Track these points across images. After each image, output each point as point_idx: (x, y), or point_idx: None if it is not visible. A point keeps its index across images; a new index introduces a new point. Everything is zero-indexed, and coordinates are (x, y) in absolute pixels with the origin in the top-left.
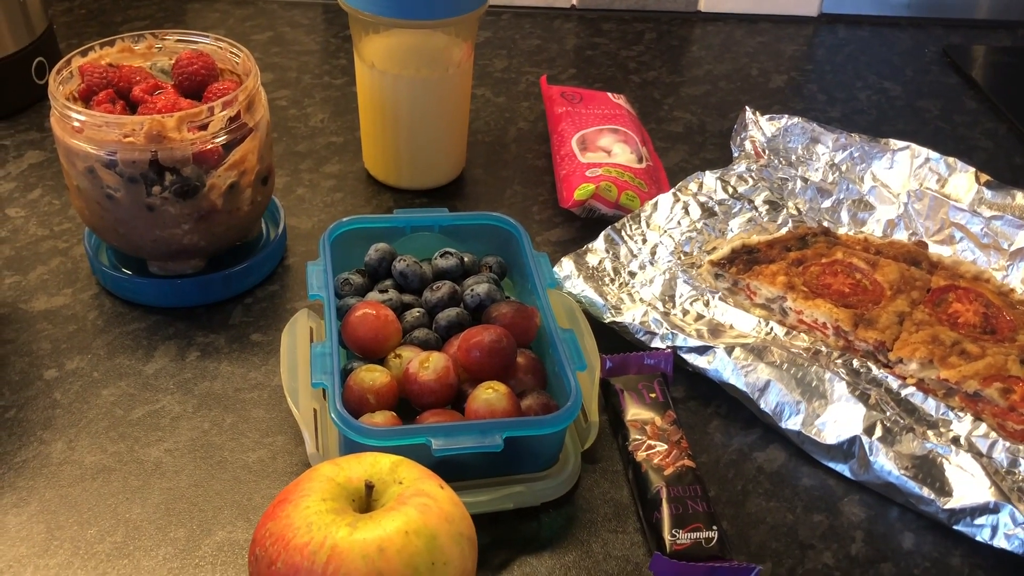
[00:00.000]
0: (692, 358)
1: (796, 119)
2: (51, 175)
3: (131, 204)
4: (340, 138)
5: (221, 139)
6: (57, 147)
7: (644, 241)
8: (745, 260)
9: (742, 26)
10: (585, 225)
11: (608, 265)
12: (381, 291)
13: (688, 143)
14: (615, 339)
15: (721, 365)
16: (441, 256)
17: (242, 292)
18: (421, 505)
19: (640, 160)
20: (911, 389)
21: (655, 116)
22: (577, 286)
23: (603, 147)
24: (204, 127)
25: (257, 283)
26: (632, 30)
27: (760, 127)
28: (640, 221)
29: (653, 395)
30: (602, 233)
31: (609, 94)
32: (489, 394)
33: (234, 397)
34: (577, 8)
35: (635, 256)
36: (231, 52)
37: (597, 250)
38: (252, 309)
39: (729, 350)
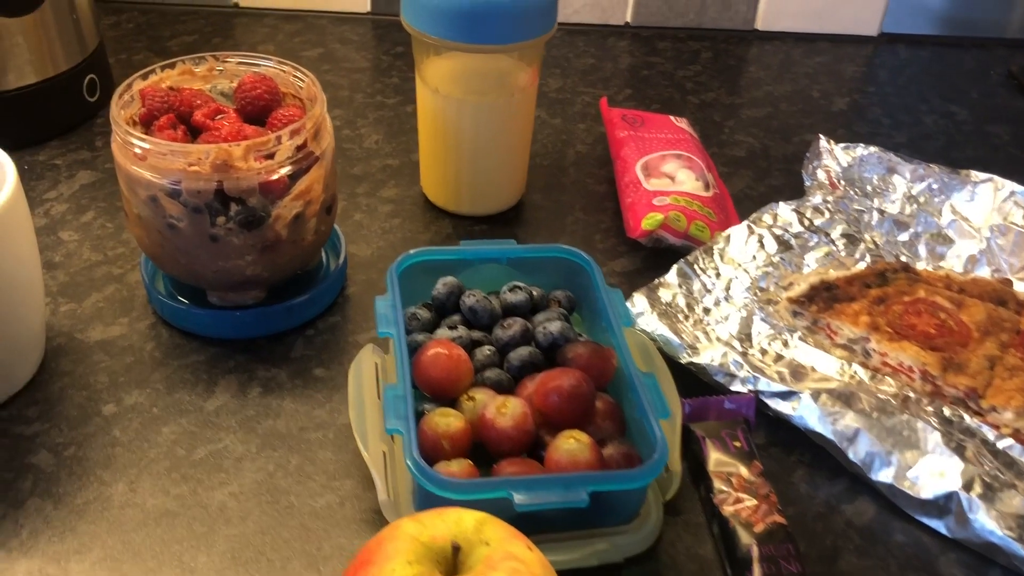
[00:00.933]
0: (775, 403)
1: (872, 149)
2: (103, 196)
3: (194, 234)
4: (396, 160)
5: (287, 168)
6: (117, 173)
7: (718, 275)
8: (825, 298)
9: (800, 45)
10: (651, 255)
11: (681, 301)
12: (450, 327)
13: (752, 168)
14: (690, 380)
15: (807, 412)
16: (510, 290)
17: (303, 323)
18: (512, 571)
19: (707, 187)
20: (1008, 441)
21: (716, 140)
22: (651, 323)
23: (667, 173)
24: (271, 156)
25: (318, 314)
26: (688, 49)
27: (835, 156)
28: (713, 254)
29: (737, 443)
30: (674, 267)
31: (672, 117)
32: (571, 444)
33: (299, 437)
34: (631, 25)
35: (709, 291)
36: (294, 76)
37: (670, 284)
38: (314, 341)
39: (815, 396)
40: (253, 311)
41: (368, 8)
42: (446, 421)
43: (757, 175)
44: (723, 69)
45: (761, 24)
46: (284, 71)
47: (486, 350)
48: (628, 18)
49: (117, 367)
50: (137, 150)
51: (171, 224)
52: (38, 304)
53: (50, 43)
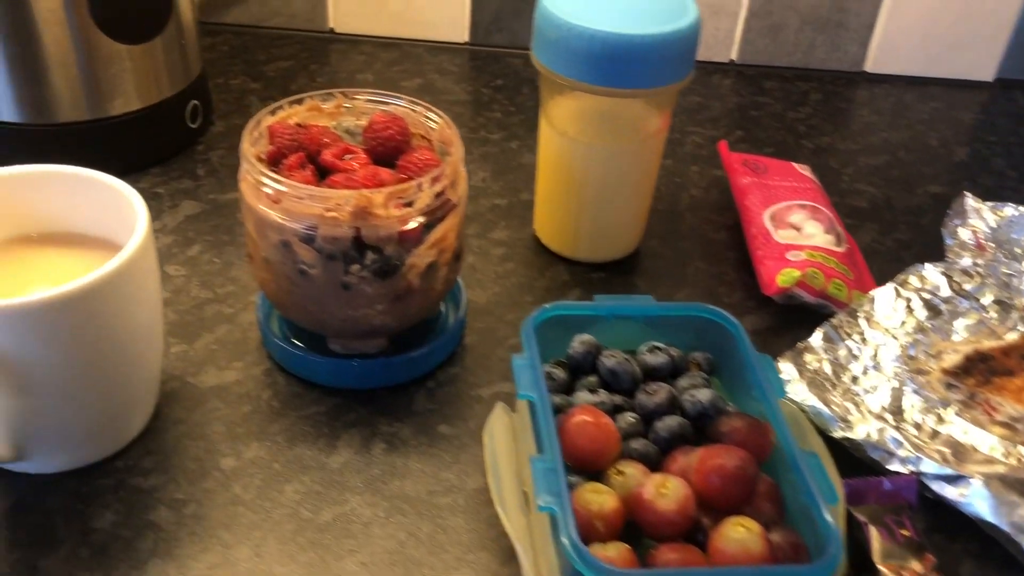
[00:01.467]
0: (940, 487)
1: (1023, 209)
2: (208, 229)
3: (326, 282)
4: (504, 200)
5: (423, 217)
6: (244, 213)
7: (864, 341)
8: (981, 370)
9: (912, 89)
10: (781, 312)
11: (827, 368)
12: (590, 390)
13: (876, 221)
14: (838, 455)
15: (978, 500)
16: (649, 351)
17: (423, 374)
18: None
19: (838, 242)
20: None
21: (836, 188)
22: (799, 392)
23: (793, 224)
24: (409, 203)
25: (438, 364)
26: (796, 89)
27: (982, 216)
28: (858, 318)
29: (905, 532)
30: (819, 330)
31: (795, 164)
32: (741, 533)
33: (428, 501)
34: (736, 63)
35: (856, 358)
36: (426, 116)
37: (814, 350)
38: (435, 395)
39: (987, 482)
40: (375, 361)
41: (467, 38)
42: (599, 499)
43: (883, 228)
44: (834, 112)
45: (871, 66)
46: (415, 111)
47: (629, 417)
48: (733, 55)
49: (234, 416)
50: (269, 190)
51: (302, 270)
52: (159, 347)
53: (157, 69)
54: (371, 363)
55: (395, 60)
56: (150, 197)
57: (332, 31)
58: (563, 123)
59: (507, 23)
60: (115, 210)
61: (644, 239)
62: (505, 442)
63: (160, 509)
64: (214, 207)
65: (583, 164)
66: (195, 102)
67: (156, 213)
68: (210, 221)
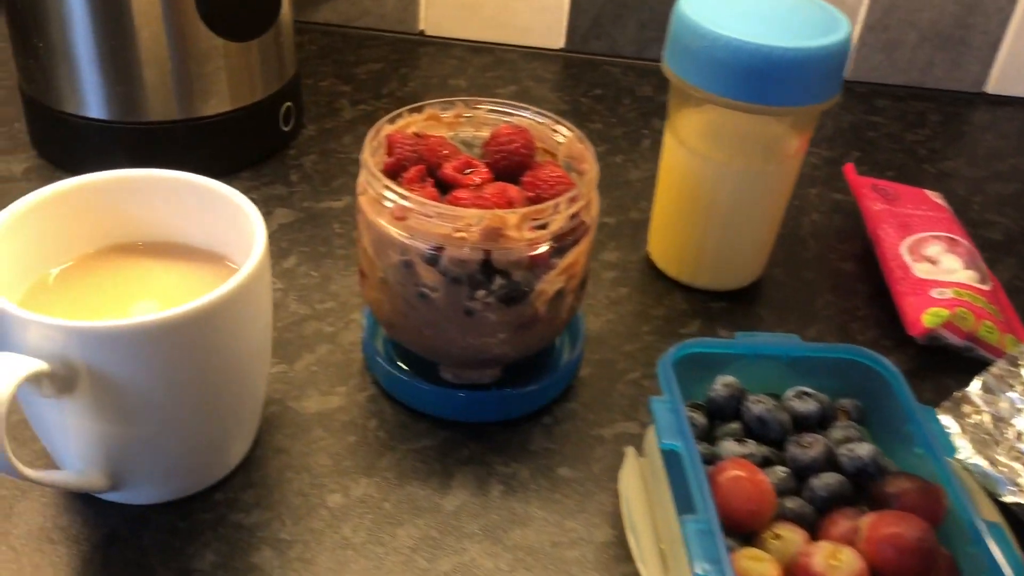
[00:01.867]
0: None
1: None
2: (304, 240)
3: (448, 307)
4: (612, 219)
5: (556, 242)
6: (360, 229)
7: None
8: None
9: None
10: (921, 354)
11: (987, 421)
12: (736, 439)
13: (1014, 255)
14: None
15: None
16: (797, 397)
17: (537, 409)
18: None
19: (983, 279)
20: None
21: (966, 218)
22: (963, 450)
23: (929, 257)
24: (543, 226)
25: (554, 399)
26: (912, 110)
27: None
28: (1020, 367)
29: None
30: (977, 379)
31: (927, 191)
32: None
33: (553, 554)
34: (847, 80)
35: (1020, 411)
36: (553, 129)
37: (973, 400)
38: (553, 432)
39: None
40: (489, 393)
41: (562, 44)
42: (760, 568)
43: (1021, 264)
44: (956, 136)
45: (992, 87)
46: (541, 123)
47: (779, 471)
48: (845, 72)
49: (339, 447)
50: (391, 205)
51: (423, 293)
52: (266, 371)
53: (252, 68)
54: (485, 395)
55: (488, 65)
56: None
57: (423, 33)
58: (693, 139)
59: (606, 29)
60: (226, 221)
61: (767, 268)
62: (638, 492)
63: (263, 550)
64: (309, 216)
65: (713, 185)
66: (289, 104)
67: None
68: (305, 231)
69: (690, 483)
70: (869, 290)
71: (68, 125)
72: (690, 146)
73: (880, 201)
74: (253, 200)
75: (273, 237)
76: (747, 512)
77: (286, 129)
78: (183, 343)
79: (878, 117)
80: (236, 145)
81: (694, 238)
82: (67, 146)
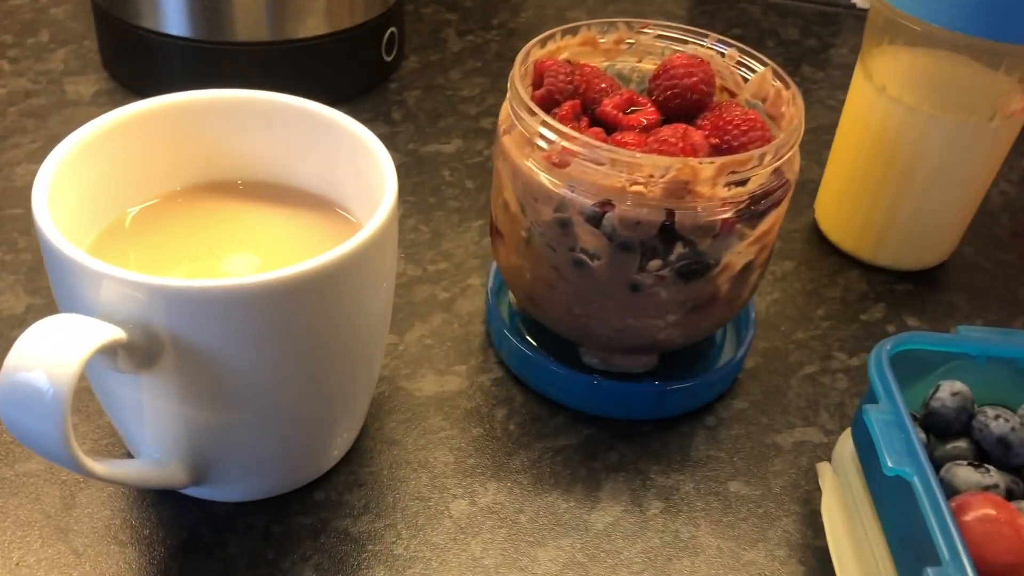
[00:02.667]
0: None
1: None
2: (410, 188)
3: (610, 279)
4: None
5: (755, 202)
6: (501, 177)
7: None
8: None
9: None
10: None
11: None
12: (971, 464)
13: None
14: None
15: None
16: None
17: (701, 406)
18: None
19: None
20: None
21: None
22: None
23: None
24: (743, 183)
25: (719, 396)
26: None
27: None
28: None
29: None
30: None
31: None
32: None
33: None
34: None
35: None
36: (740, 62)
37: None
38: (718, 437)
39: None
40: (644, 386)
41: None
42: None
43: None
44: None
45: None
46: (723, 55)
47: None
48: None
49: (462, 441)
50: (546, 146)
51: (579, 260)
52: (383, 343)
53: None
54: (639, 388)
55: None
56: None
57: None
58: (896, 84)
59: None
60: (344, 161)
61: (957, 247)
62: (843, 521)
63: (377, 569)
64: (415, 161)
65: (917, 141)
66: (393, 29)
67: None
68: (411, 177)
69: (930, 524)
70: None
71: (144, 43)
72: (892, 93)
73: None
74: None
75: None
76: (1007, 566)
77: (388, 59)
78: (293, 311)
79: None
80: (333, 74)
81: (882, 206)
82: (143, 67)
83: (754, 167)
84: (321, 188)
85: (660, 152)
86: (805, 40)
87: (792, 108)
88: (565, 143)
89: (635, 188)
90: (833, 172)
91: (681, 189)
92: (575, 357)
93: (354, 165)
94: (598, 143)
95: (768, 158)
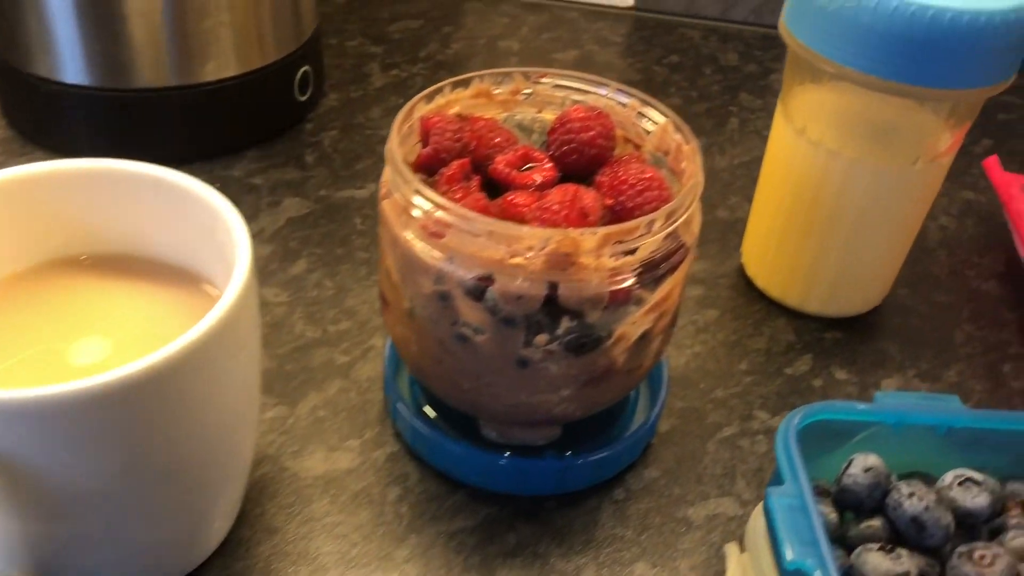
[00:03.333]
0: None
1: None
2: (318, 239)
3: (495, 355)
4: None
5: (645, 270)
6: (383, 243)
7: None
8: None
9: None
10: None
11: None
12: (883, 547)
13: None
14: None
15: None
16: (961, 485)
17: (609, 478)
18: None
19: None
20: None
21: None
22: None
23: None
24: (631, 251)
25: (629, 465)
26: None
27: None
28: None
29: None
30: None
31: None
32: None
33: None
34: None
35: None
36: (640, 113)
37: None
38: (627, 512)
39: None
40: (545, 462)
41: (631, 2)
42: None
43: None
44: None
45: None
46: (624, 105)
47: None
48: None
49: (348, 527)
50: (419, 214)
51: (462, 335)
52: (253, 427)
53: (262, 25)
54: (539, 463)
55: (544, 25)
56: (245, 190)
57: None
58: (817, 126)
59: None
60: (200, 229)
61: (893, 286)
62: None
63: None
64: (325, 208)
65: (839, 186)
66: (306, 68)
67: (251, 212)
68: (320, 227)
69: None
70: (1022, 320)
71: (42, 92)
72: (811, 136)
73: None
74: (257, 186)
75: (280, 235)
76: None
77: (302, 99)
78: (138, 411)
79: (1013, 96)
80: (241, 118)
81: (808, 251)
82: (41, 116)
83: (642, 235)
84: (180, 260)
85: (543, 220)
86: (745, 66)
87: (691, 165)
88: (440, 212)
89: (515, 260)
90: (758, 215)
91: (563, 261)
92: (475, 429)
93: (213, 235)
94: (472, 214)
95: (658, 224)
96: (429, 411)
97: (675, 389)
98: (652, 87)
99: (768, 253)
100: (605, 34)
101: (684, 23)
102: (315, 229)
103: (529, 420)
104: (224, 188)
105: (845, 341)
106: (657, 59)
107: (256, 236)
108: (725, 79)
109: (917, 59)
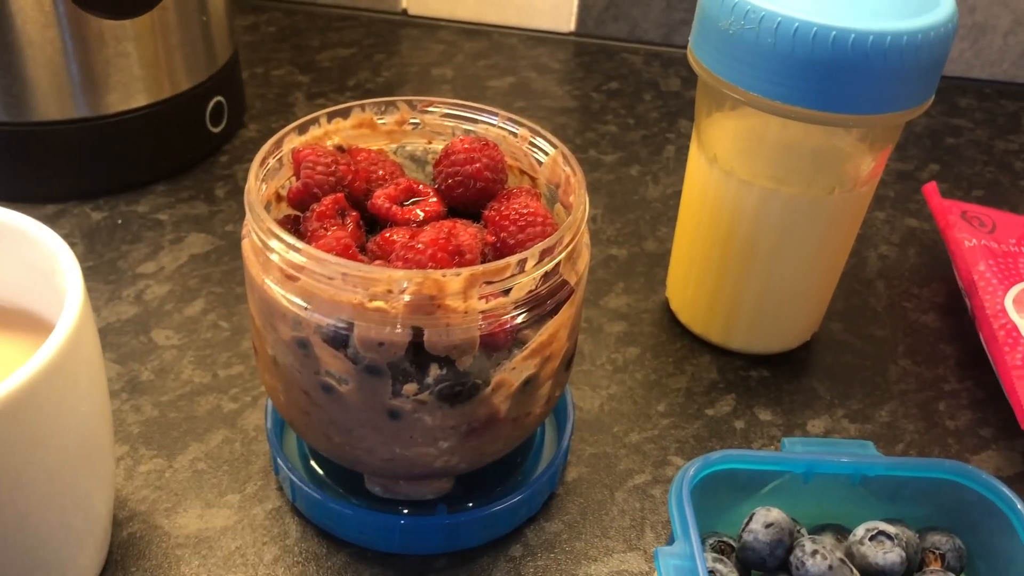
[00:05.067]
0: None
1: None
2: (219, 277)
3: (363, 406)
4: (622, 250)
5: (523, 312)
6: (247, 287)
7: None
8: None
9: None
10: None
11: None
12: None
13: None
14: None
15: None
16: (872, 540)
17: (506, 533)
18: None
19: None
20: None
21: None
22: None
23: None
24: (506, 292)
25: (529, 518)
26: (1001, 111)
27: None
28: None
29: None
30: None
31: None
32: None
33: None
34: None
35: None
36: (531, 144)
37: None
38: (523, 571)
39: None
40: (434, 517)
41: (572, 27)
42: None
43: None
44: None
45: None
46: (517, 135)
47: None
48: None
49: None
50: (278, 259)
51: (327, 385)
52: (104, 482)
53: (169, 54)
54: (427, 520)
55: (481, 52)
56: (147, 226)
57: (405, 12)
58: (729, 155)
59: (625, 9)
60: (37, 271)
61: (822, 322)
62: None
63: None
64: (231, 244)
65: (754, 217)
66: (219, 99)
67: (152, 249)
68: (222, 265)
69: None
70: (959, 354)
71: None
72: (725, 165)
73: (973, 234)
74: (161, 222)
75: (180, 273)
76: None
77: (216, 130)
78: None
79: (960, 119)
80: (149, 150)
81: (727, 286)
82: None
83: (514, 275)
84: (20, 303)
85: (407, 260)
86: (686, 91)
87: (575, 200)
88: (292, 254)
89: (375, 304)
90: (678, 247)
91: (428, 304)
92: (360, 483)
93: (52, 278)
94: (324, 255)
95: (531, 263)
96: (315, 465)
97: (586, 434)
98: (588, 114)
99: (689, 288)
100: (544, 60)
101: (626, 48)
102: (217, 267)
103: (410, 475)
104: (126, 224)
105: (771, 380)
106: (596, 85)
107: (154, 275)
108: (665, 105)
109: (823, 83)
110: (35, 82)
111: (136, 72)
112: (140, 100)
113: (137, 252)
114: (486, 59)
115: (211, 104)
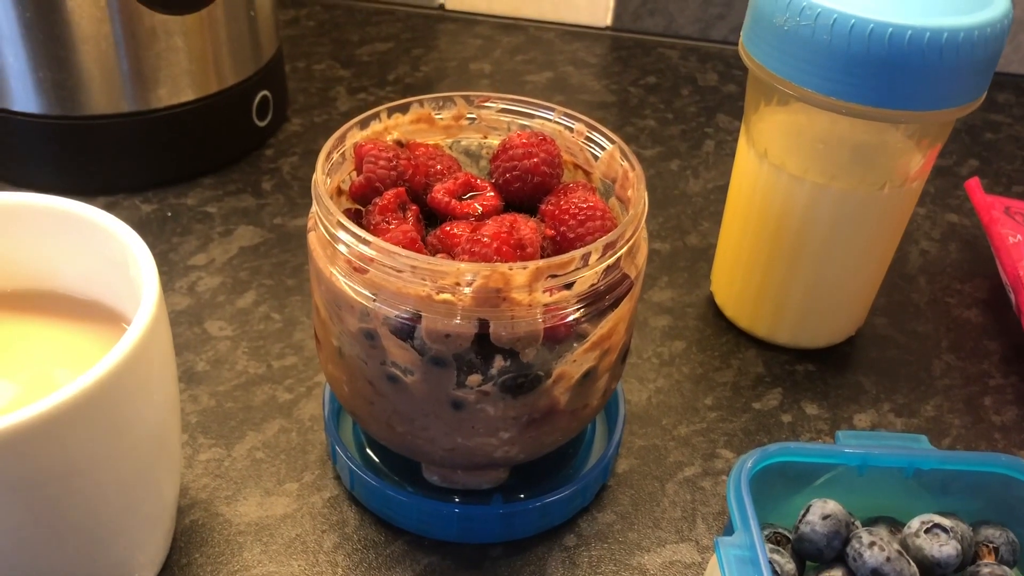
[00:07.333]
0: None
1: None
2: (270, 269)
3: (427, 396)
4: (665, 244)
5: (582, 306)
6: (312, 278)
7: None
8: None
9: None
10: None
11: None
12: None
13: None
14: None
15: None
16: (928, 532)
17: (560, 524)
18: None
19: None
20: None
21: None
22: None
23: None
24: (568, 285)
25: (582, 509)
26: None
27: None
28: None
29: None
30: None
31: None
32: None
33: None
34: None
35: None
36: (587, 139)
37: None
38: (578, 561)
39: None
40: (490, 509)
41: (608, 22)
42: None
43: None
44: None
45: None
46: (572, 129)
47: None
48: None
49: None
50: (347, 251)
51: (392, 376)
52: (173, 470)
53: (217, 49)
54: (484, 509)
55: (519, 47)
56: (197, 218)
57: (442, 7)
58: (780, 151)
59: (661, 4)
60: (110, 263)
61: (867, 317)
62: None
63: None
64: (280, 237)
65: (805, 213)
66: (265, 93)
67: (202, 241)
68: (272, 257)
69: None
70: (1004, 349)
71: None
72: (775, 160)
73: (1017, 229)
74: (210, 214)
75: (231, 265)
76: None
77: (261, 124)
78: (31, 461)
79: (999, 115)
80: (196, 144)
81: (775, 281)
82: None
83: (578, 268)
84: (92, 294)
85: (472, 253)
86: (724, 86)
87: (636, 193)
88: (362, 247)
89: (442, 297)
90: (725, 242)
91: (494, 297)
92: (417, 472)
93: (125, 271)
94: (394, 248)
95: (595, 257)
96: (371, 454)
97: (635, 427)
98: (627, 108)
99: (736, 282)
100: (581, 55)
101: (663, 43)
102: (267, 259)
103: (469, 464)
104: (176, 217)
105: (817, 374)
106: (633, 80)
107: (206, 267)
108: (703, 100)
109: (877, 79)
110: (87, 77)
111: (185, 67)
112: (188, 95)
113: (188, 244)
114: (523, 54)
115: (257, 98)
